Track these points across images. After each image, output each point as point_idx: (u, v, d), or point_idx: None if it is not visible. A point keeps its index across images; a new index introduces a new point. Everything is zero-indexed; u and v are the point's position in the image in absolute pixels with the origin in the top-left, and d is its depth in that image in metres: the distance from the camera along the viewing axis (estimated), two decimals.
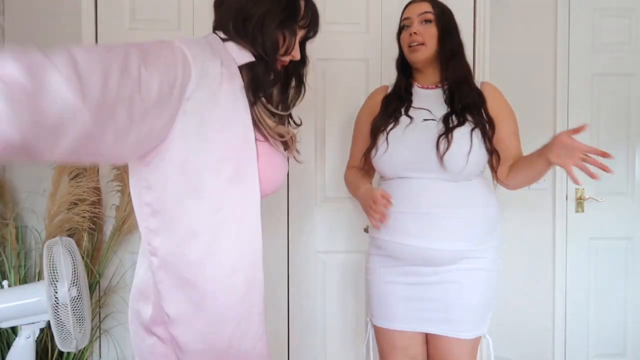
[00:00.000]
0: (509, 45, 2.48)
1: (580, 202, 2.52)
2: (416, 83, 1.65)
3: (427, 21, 1.57)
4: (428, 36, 1.56)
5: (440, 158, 1.45)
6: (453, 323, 1.52)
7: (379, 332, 1.64)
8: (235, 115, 1.04)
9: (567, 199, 2.52)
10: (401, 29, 1.64)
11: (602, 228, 2.54)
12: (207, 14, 2.23)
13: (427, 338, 1.61)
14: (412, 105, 1.58)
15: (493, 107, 1.56)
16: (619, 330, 2.55)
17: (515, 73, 2.51)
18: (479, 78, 2.24)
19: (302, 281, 2.28)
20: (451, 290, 1.51)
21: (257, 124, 1.11)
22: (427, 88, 1.62)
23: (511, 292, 2.46)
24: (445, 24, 1.58)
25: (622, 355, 2.56)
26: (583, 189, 2.52)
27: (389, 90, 1.69)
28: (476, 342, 1.57)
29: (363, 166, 1.71)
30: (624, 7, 2.54)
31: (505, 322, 2.48)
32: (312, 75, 2.26)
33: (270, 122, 1.15)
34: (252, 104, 1.10)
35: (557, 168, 2.48)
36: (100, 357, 2.21)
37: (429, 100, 1.58)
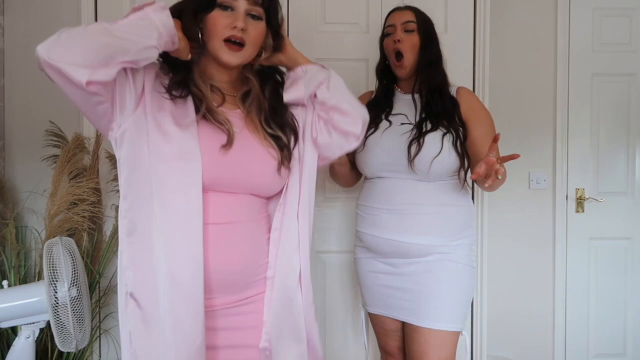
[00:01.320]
0: (508, 45, 2.48)
1: (580, 202, 2.52)
2: (398, 88, 1.74)
3: (410, 30, 1.64)
4: (409, 45, 1.63)
5: (410, 161, 1.54)
6: (424, 312, 1.57)
7: (371, 317, 1.77)
8: None
9: (567, 199, 2.52)
10: (384, 36, 1.71)
11: (602, 228, 2.54)
12: None
13: (404, 330, 1.67)
14: (392, 110, 1.67)
15: (467, 111, 1.63)
16: (619, 330, 2.55)
17: (515, 73, 2.51)
18: (478, 78, 2.24)
19: None
20: (422, 280, 1.58)
21: None
22: (407, 93, 1.70)
23: (511, 291, 2.47)
24: (426, 33, 1.65)
25: (622, 355, 2.56)
26: (583, 189, 2.52)
27: (373, 96, 1.78)
28: (452, 338, 1.58)
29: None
30: (624, 7, 2.54)
31: (505, 321, 2.48)
32: None
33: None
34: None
35: (557, 168, 2.50)
36: (100, 357, 2.21)
37: (407, 105, 1.67)
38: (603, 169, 2.53)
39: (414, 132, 1.58)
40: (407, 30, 1.64)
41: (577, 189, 2.52)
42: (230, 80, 1.24)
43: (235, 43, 1.15)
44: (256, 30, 1.17)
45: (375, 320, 1.76)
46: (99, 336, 2.20)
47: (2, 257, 2.02)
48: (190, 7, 1.15)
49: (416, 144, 1.55)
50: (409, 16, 1.65)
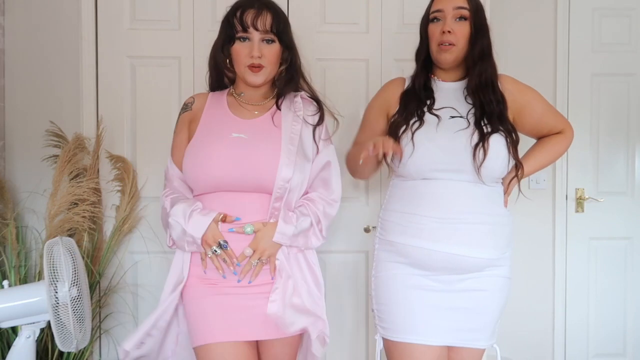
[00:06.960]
0: (508, 45, 2.47)
1: (580, 202, 2.52)
2: (436, 77, 1.56)
3: (462, 18, 1.45)
4: (461, 35, 1.45)
5: (478, 167, 1.40)
6: (475, 332, 1.47)
7: (397, 349, 1.46)
8: None
9: (567, 198, 2.53)
10: (429, 20, 1.50)
11: (602, 228, 2.54)
12: (207, 14, 2.23)
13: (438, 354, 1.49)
14: (435, 102, 1.49)
15: (517, 99, 1.54)
16: (619, 330, 2.55)
17: (515, 73, 2.47)
18: None
19: None
20: (476, 299, 1.46)
21: None
22: (448, 82, 1.54)
23: (511, 292, 2.46)
24: (479, 21, 1.47)
25: (622, 355, 2.56)
26: (583, 189, 2.53)
27: (407, 84, 1.57)
28: (484, 350, 1.54)
29: None
30: (624, 7, 2.54)
31: (505, 322, 2.47)
32: (312, 76, 2.26)
33: None
34: None
35: (557, 168, 2.50)
36: (100, 357, 2.21)
37: (451, 96, 1.51)
38: (603, 168, 2.54)
39: (473, 130, 1.43)
40: (460, 18, 1.44)
41: (576, 189, 2.52)
42: (261, 94, 1.53)
43: (255, 66, 1.43)
44: (271, 52, 1.45)
45: (403, 352, 1.45)
46: (99, 336, 2.20)
47: (2, 257, 2.02)
48: (219, 43, 1.48)
49: (481, 148, 1.40)
50: (462, 1, 1.45)
